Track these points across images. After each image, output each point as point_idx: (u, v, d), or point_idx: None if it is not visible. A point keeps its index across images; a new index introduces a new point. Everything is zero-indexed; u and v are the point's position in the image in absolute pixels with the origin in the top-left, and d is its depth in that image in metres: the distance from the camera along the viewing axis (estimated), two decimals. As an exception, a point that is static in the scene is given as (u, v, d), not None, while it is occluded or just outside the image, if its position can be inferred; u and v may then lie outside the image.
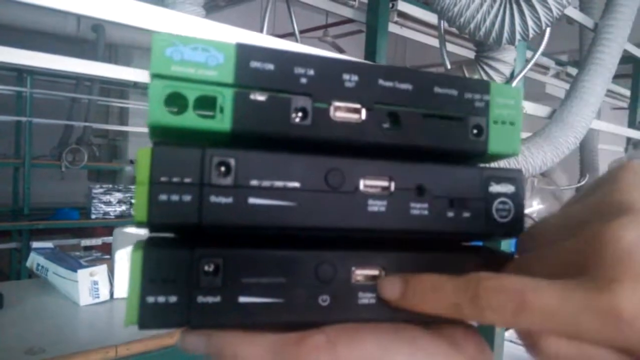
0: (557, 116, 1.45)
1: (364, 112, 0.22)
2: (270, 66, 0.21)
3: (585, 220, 0.19)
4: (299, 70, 0.21)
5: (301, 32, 1.88)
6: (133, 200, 0.19)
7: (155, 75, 0.20)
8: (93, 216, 3.53)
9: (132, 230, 1.40)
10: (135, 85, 3.92)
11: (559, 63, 2.95)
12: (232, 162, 0.20)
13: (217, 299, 0.20)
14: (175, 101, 0.20)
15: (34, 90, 3.44)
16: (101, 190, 3.56)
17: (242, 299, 0.21)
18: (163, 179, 0.20)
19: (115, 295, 1.20)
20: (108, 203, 3.58)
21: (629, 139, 2.49)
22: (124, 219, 3.52)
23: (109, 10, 0.83)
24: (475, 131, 0.24)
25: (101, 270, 1.16)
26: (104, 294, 1.17)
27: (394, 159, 0.23)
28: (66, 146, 3.62)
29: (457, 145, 0.24)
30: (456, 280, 0.20)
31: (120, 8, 0.84)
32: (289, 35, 2.25)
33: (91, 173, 4.46)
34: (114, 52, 4.30)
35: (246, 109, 0.21)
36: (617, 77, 2.03)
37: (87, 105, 3.77)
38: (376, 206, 0.22)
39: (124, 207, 3.61)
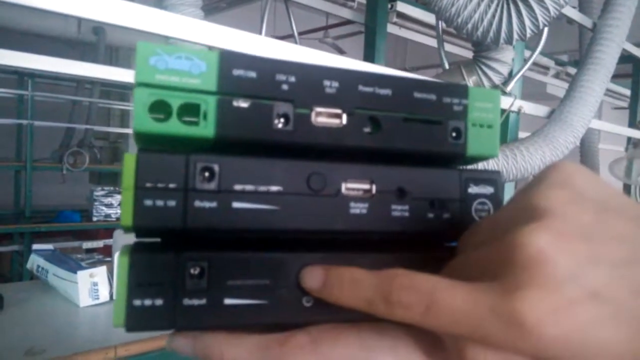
0: (556, 116, 1.46)
1: (344, 117, 0.23)
2: (252, 74, 0.21)
3: (507, 223, 0.19)
4: (280, 77, 0.22)
5: (302, 33, 1.89)
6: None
7: (140, 84, 0.20)
8: (94, 218, 3.53)
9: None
10: (136, 87, 3.92)
11: (559, 63, 2.95)
12: (215, 167, 0.21)
13: (203, 301, 0.21)
14: (160, 108, 0.20)
15: (35, 93, 3.45)
16: (102, 192, 3.57)
17: (228, 301, 0.21)
18: (148, 184, 0.20)
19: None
20: (109, 205, 3.59)
21: (629, 139, 2.49)
22: (126, 221, 3.52)
23: (108, 13, 0.84)
24: (454, 134, 0.24)
25: (101, 271, 1.16)
26: (104, 295, 1.18)
27: (375, 162, 0.23)
28: (67, 149, 3.64)
29: (436, 148, 0.24)
30: (374, 276, 0.20)
31: (119, 11, 0.85)
32: (289, 37, 2.26)
33: (92, 175, 4.46)
34: (114, 54, 4.31)
35: (229, 115, 0.21)
36: (618, 77, 2.03)
37: (88, 108, 3.78)
38: (358, 209, 0.23)
39: (125, 209, 3.63)
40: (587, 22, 1.61)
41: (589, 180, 0.20)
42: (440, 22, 1.48)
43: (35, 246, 1.36)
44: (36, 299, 1.19)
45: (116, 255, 1.22)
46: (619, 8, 1.47)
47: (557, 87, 3.11)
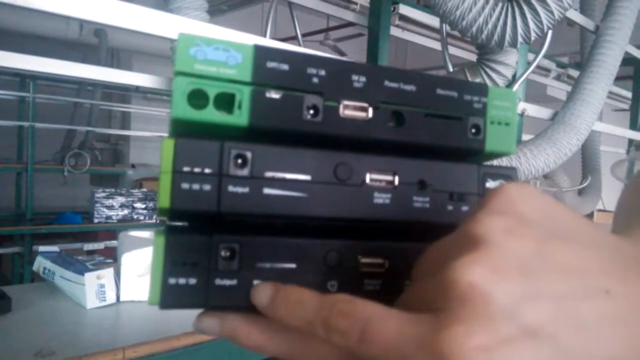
0: (560, 118, 1.46)
1: (370, 110, 0.24)
2: (285, 66, 0.22)
3: (447, 254, 0.18)
4: (311, 70, 0.23)
5: (302, 35, 1.89)
6: (157, 189, 0.21)
7: (179, 73, 0.21)
8: (96, 220, 3.53)
9: (138, 233, 1.41)
10: (138, 89, 3.93)
11: (560, 65, 2.96)
12: (248, 154, 0.22)
13: (234, 281, 0.22)
14: (197, 96, 0.21)
15: (37, 95, 3.45)
16: (103, 194, 3.57)
17: (257, 282, 0.22)
18: (185, 168, 0.21)
19: (122, 298, 1.20)
20: (110, 207, 3.59)
21: (630, 141, 2.49)
22: (127, 223, 3.52)
23: (116, 15, 0.84)
24: (473, 130, 0.25)
25: (108, 273, 1.17)
26: (111, 297, 1.18)
27: (398, 155, 0.24)
28: (69, 150, 3.64)
29: (456, 143, 0.25)
30: (318, 299, 0.20)
31: (127, 14, 0.85)
32: (290, 39, 2.26)
33: (93, 177, 4.47)
34: (115, 57, 4.32)
35: (262, 105, 0.22)
36: (618, 79, 2.04)
37: (89, 110, 3.78)
38: (381, 198, 0.24)
39: (126, 211, 3.62)
40: (589, 24, 1.62)
41: (534, 204, 0.18)
42: (444, 25, 1.49)
43: (41, 248, 1.36)
44: (43, 301, 1.20)
45: (124, 257, 1.22)
46: (622, 11, 1.48)
47: (558, 89, 3.12)
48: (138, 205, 3.65)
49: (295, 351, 0.22)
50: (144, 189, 3.80)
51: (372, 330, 0.17)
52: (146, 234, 1.40)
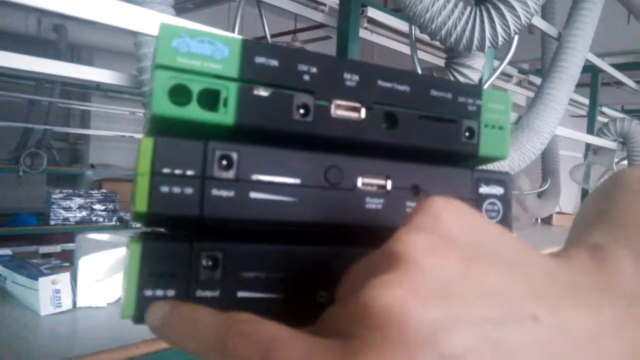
0: (524, 122, 1.49)
1: (363, 111, 0.23)
2: (274, 62, 0.21)
3: (366, 274, 0.17)
4: (302, 67, 0.21)
5: (269, 36, 1.87)
6: (134, 191, 0.19)
7: (159, 66, 0.19)
8: (52, 222, 3.40)
9: (96, 236, 1.35)
10: (98, 87, 3.83)
11: (522, 71, 3.03)
12: (234, 156, 0.20)
13: (216, 293, 0.20)
14: (179, 93, 0.20)
15: (-9, 92, 3.32)
16: (61, 195, 3.44)
17: (241, 294, 0.20)
18: (165, 170, 0.19)
19: (79, 304, 1.15)
20: (68, 209, 3.47)
21: (588, 146, 2.57)
22: (85, 224, 3.41)
23: (77, 7, 0.81)
24: (467, 134, 0.25)
25: (64, 278, 1.11)
26: (67, 303, 1.12)
27: (391, 158, 0.23)
28: (24, 150, 3.51)
29: (450, 146, 0.24)
30: (216, 318, 0.18)
31: (88, 5, 0.82)
32: (258, 39, 2.23)
33: (50, 178, 4.33)
34: (76, 54, 4.19)
35: (249, 103, 0.21)
36: (576, 86, 2.09)
37: (47, 108, 3.66)
38: (373, 204, 0.23)
39: (84, 213, 3.51)
40: (552, 31, 1.66)
41: (462, 221, 0.17)
42: (414, 28, 1.50)
43: (-8, 251, 1.29)
44: (-7, 307, 1.14)
45: (82, 260, 1.17)
46: (584, 19, 1.52)
47: (519, 95, 3.20)
48: (97, 206, 3.55)
49: None
50: (104, 190, 3.69)
51: (274, 356, 0.15)
52: (105, 236, 1.35)
